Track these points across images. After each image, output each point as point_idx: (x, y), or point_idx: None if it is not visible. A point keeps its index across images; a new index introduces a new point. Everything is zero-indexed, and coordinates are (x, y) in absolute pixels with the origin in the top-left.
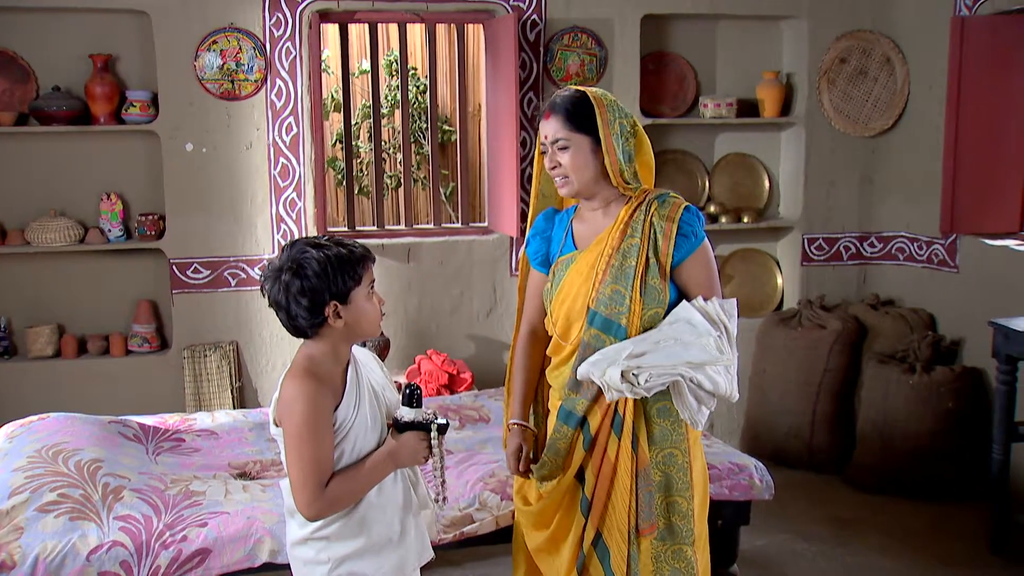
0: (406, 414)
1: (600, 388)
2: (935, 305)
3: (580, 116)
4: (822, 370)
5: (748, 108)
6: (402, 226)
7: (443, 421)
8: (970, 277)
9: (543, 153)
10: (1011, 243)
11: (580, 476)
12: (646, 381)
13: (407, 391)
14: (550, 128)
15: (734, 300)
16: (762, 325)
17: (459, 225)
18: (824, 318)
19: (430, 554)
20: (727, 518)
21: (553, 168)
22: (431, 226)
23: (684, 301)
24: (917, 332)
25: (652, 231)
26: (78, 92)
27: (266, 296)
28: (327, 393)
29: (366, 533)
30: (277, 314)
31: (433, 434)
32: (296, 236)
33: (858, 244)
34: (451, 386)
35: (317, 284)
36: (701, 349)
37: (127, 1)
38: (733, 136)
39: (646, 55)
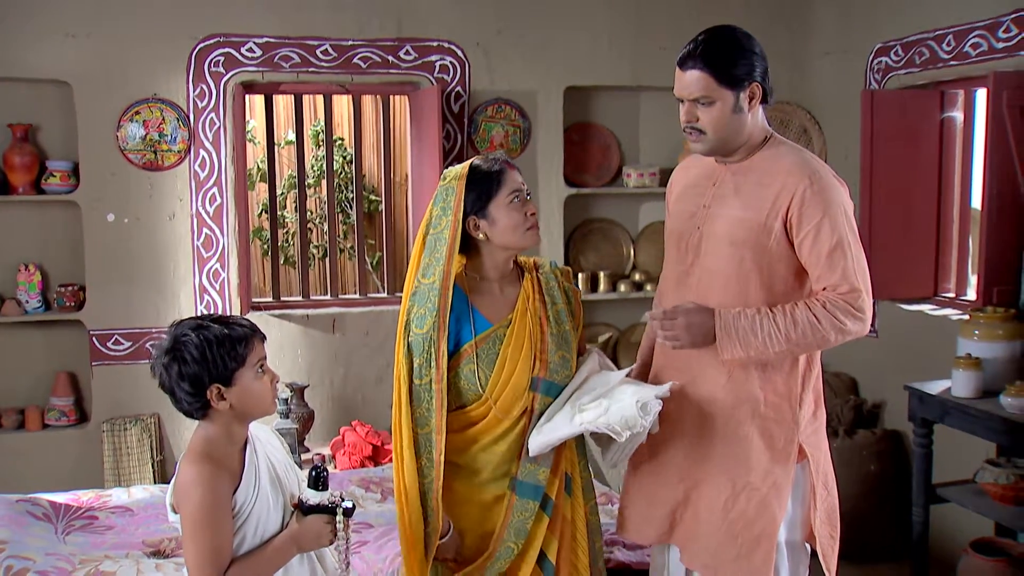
0: (311, 497)
1: (553, 451)
2: (857, 369)
3: None
4: None
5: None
6: (328, 296)
7: (349, 504)
8: (889, 342)
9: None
10: (926, 308)
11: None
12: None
13: (312, 473)
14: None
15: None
16: None
17: (385, 295)
18: None
19: None
20: None
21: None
22: (357, 296)
23: (611, 372)
24: (840, 396)
25: (566, 296)
26: None
27: (156, 379)
28: (225, 477)
29: None
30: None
31: (339, 518)
32: (219, 306)
33: None
34: (375, 457)
35: (196, 369)
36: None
37: (49, 71)
38: (657, 205)
39: (570, 126)
